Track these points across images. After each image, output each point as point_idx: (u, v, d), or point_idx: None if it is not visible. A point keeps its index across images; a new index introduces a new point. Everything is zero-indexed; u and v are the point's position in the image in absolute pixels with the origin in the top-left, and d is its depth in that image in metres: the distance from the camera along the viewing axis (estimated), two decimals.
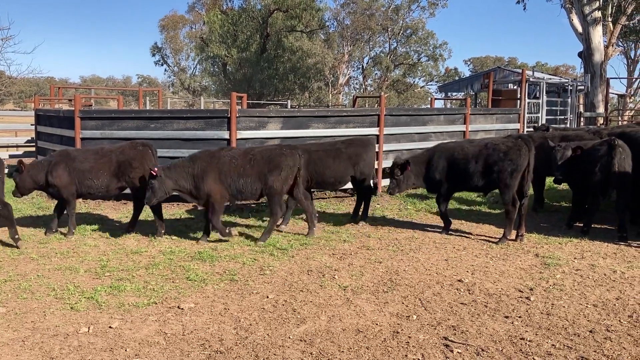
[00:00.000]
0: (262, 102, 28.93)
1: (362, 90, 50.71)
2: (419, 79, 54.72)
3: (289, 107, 23.52)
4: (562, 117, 16.38)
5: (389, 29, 49.45)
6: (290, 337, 4.69)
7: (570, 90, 17.49)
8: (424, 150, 8.46)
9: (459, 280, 6.05)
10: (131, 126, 10.23)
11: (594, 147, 7.71)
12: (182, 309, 5.32)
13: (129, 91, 30.56)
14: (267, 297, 5.61)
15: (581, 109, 19.95)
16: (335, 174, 8.51)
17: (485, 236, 8.02)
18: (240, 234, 8.08)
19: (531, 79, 15.95)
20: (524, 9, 28.57)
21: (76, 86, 41.29)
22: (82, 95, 15.91)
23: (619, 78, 46.26)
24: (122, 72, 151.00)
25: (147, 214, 8.60)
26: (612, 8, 23.02)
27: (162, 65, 50.91)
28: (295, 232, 8.29)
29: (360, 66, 51.95)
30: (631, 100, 38.00)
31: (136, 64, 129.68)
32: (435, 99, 20.50)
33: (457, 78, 52.37)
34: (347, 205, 10.27)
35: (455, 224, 8.74)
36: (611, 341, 4.54)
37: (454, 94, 34.01)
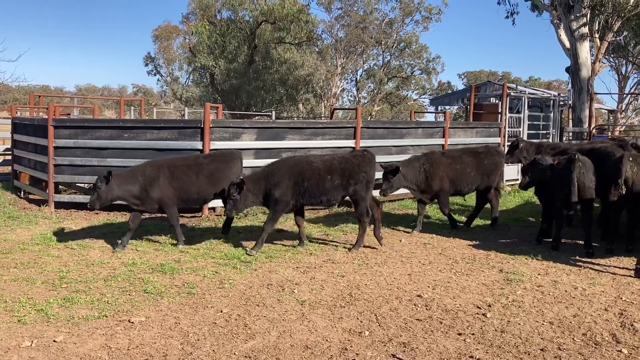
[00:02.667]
0: (248, 113, 28.94)
1: (356, 102, 50.81)
2: (412, 92, 54.88)
3: (273, 118, 23.52)
4: (545, 131, 16.38)
5: (382, 42, 49.63)
6: (236, 353, 4.59)
7: (553, 104, 17.49)
8: (264, 167, 8.07)
9: (418, 296, 5.97)
10: (105, 135, 10.16)
11: (557, 162, 7.70)
12: (132, 322, 5.23)
13: (129, 101, 30.73)
14: (221, 311, 5.52)
15: (570, 123, 19.98)
16: (199, 190, 8.01)
17: (454, 251, 7.95)
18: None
19: (512, 93, 15.96)
20: (513, 23, 28.69)
21: (61, 95, 41.25)
22: (64, 104, 15.83)
23: (609, 94, 46.53)
24: (118, 81, 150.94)
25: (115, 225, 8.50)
26: (598, 24, 23.15)
27: (155, 75, 50.90)
28: (265, 244, 8.20)
29: (354, 79, 52.14)
30: (622, 115, 38.21)
31: (132, 74, 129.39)
32: (427, 112, 20.51)
33: (450, 91, 52.55)
34: (318, 217, 10.20)
35: (425, 237, 8.69)
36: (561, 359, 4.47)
37: (446, 107, 34.10)
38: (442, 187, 8.94)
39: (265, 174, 7.76)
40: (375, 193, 8.67)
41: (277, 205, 7.68)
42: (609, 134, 20.52)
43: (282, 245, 8.15)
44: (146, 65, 50.08)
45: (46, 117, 10.68)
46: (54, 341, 4.78)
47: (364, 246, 8.10)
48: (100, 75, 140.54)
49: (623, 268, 7.07)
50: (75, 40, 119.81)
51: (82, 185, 11.66)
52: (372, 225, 8.12)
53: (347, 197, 7.93)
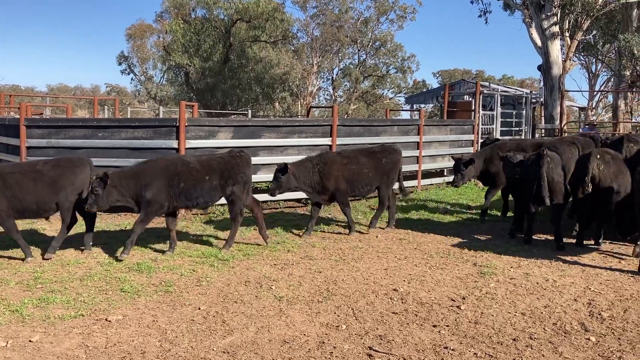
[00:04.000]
0: (224, 111, 28.80)
1: (332, 101, 50.93)
2: (388, 90, 55.16)
3: (249, 117, 23.48)
4: (517, 128, 16.69)
5: (358, 41, 49.80)
6: (214, 349, 4.62)
7: (525, 102, 17.84)
8: (134, 165, 7.78)
9: (394, 290, 6.07)
10: (78, 135, 10.06)
11: (527, 158, 7.90)
12: (110, 321, 5.22)
13: (103, 100, 30.22)
14: (199, 308, 5.53)
15: (542, 121, 20.38)
16: (37, 200, 7.19)
17: (429, 246, 8.08)
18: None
19: (485, 91, 16.23)
20: (486, 22, 29.17)
21: (32, 94, 40.51)
22: (36, 104, 15.59)
23: (580, 91, 47.47)
24: (91, 81, 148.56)
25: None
26: (569, 23, 23.63)
27: (128, 74, 50.26)
28: (243, 242, 8.23)
29: (330, 77, 52.24)
30: (592, 113, 39.02)
31: (105, 73, 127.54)
32: (402, 110, 20.69)
33: (424, 90, 53.04)
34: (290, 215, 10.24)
35: (401, 233, 8.81)
36: (532, 349, 4.59)
37: (422, 105, 34.41)
38: (339, 187, 8.57)
39: (135, 173, 7.32)
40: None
41: (149, 206, 7.24)
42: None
43: (258, 243, 8.17)
44: (119, 64, 49.45)
45: (18, 116, 10.52)
46: (30, 341, 4.75)
47: (342, 241, 8.19)
48: (72, 74, 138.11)
49: (592, 262, 7.27)
50: (45, 39, 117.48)
51: None
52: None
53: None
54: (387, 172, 8.98)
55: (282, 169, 8.23)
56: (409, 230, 9.03)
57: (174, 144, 9.67)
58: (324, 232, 8.98)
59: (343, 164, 8.65)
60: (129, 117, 21.49)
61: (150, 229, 9.19)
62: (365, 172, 8.77)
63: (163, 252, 7.57)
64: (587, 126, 19.09)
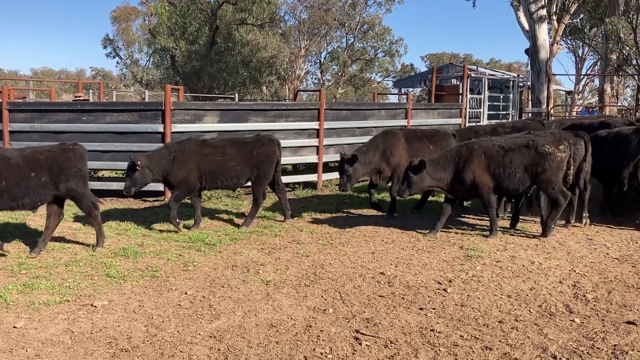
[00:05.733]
0: (211, 95, 28.55)
1: (320, 85, 50.71)
2: (376, 74, 55.01)
3: (236, 100, 23.33)
4: (504, 112, 16.73)
5: (346, 24, 49.51)
6: (201, 333, 4.61)
7: (513, 85, 17.86)
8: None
9: (381, 273, 6.09)
10: (62, 119, 9.92)
11: None
12: (95, 306, 5.18)
13: (88, 84, 29.77)
14: (186, 293, 5.51)
15: (529, 104, 20.44)
16: None
17: (415, 230, 8.09)
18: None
19: (473, 75, 16.23)
20: (473, 5, 29.11)
21: (15, 78, 39.85)
22: (19, 88, 15.34)
23: (567, 75, 47.67)
24: (76, 64, 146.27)
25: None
26: (556, 7, 23.65)
27: (114, 57, 49.72)
28: (230, 226, 8.21)
29: (318, 61, 51.99)
30: (579, 96, 39.24)
31: (90, 57, 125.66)
32: (390, 94, 20.64)
33: (412, 74, 52.95)
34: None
35: (390, 218, 8.83)
36: (517, 331, 4.63)
37: (409, 89, 34.37)
38: (186, 179, 7.80)
39: None
40: None
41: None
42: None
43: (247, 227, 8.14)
44: (105, 47, 48.95)
45: (0, 100, 10.34)
46: (14, 327, 4.71)
47: (330, 225, 8.19)
48: (56, 58, 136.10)
49: (577, 244, 7.34)
50: (28, 22, 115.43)
51: None
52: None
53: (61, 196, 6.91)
54: (258, 165, 8.14)
55: (131, 165, 7.54)
56: (396, 215, 9.03)
57: (159, 128, 9.57)
58: (311, 216, 8.96)
59: (203, 154, 7.91)
60: (114, 100, 21.23)
61: (137, 213, 9.14)
62: (231, 164, 8.00)
63: (149, 236, 7.53)
64: (585, 109, 19.16)
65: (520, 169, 7.38)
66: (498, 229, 7.70)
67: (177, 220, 7.85)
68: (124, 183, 7.84)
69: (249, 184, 8.37)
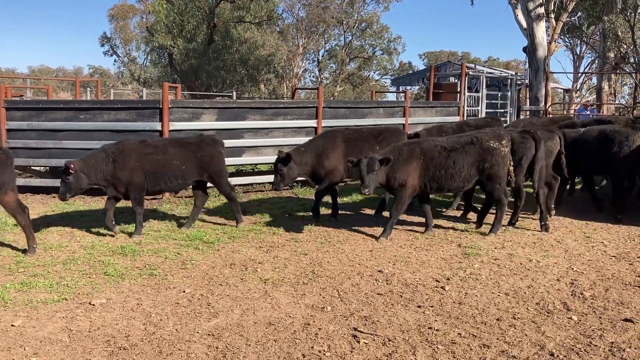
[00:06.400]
0: (209, 93, 28.52)
1: (318, 83, 50.67)
2: (374, 72, 55.03)
3: (234, 99, 23.32)
4: (502, 110, 16.74)
5: (344, 22, 49.48)
6: (199, 331, 4.61)
7: (511, 83, 17.87)
8: None
9: (379, 271, 6.09)
10: (60, 117, 9.91)
11: None
12: (94, 305, 5.18)
13: (86, 82, 29.73)
14: (184, 291, 5.51)
15: (527, 102, 20.43)
16: None
17: (414, 228, 8.10)
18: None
19: (471, 73, 16.24)
20: (471, 3, 29.27)
21: (12, 76, 39.78)
22: (16, 86, 15.31)
23: (564, 73, 47.64)
24: (73, 62, 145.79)
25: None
26: (554, 4, 23.63)
27: (111, 55, 49.61)
28: (228, 225, 8.21)
29: (316, 59, 51.96)
30: (577, 94, 39.25)
31: (87, 55, 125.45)
32: (388, 92, 20.63)
33: (410, 72, 52.92)
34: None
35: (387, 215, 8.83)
36: (515, 328, 4.64)
37: (407, 87, 34.35)
38: (132, 180, 7.46)
39: None
40: None
41: None
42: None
43: (246, 225, 8.15)
44: (102, 45, 48.80)
45: None
46: (12, 325, 4.70)
47: (328, 223, 8.19)
48: (54, 56, 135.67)
49: (575, 242, 7.36)
50: (26, 20, 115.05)
51: (37, 168, 11.36)
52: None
53: None
54: (204, 165, 7.86)
55: (64, 170, 7.19)
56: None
57: (157, 126, 9.57)
58: (311, 215, 8.96)
59: (144, 154, 7.57)
60: (112, 99, 21.20)
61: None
62: (175, 163, 7.68)
63: (147, 234, 7.52)
64: (583, 107, 19.13)
65: (465, 167, 7.34)
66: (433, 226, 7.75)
67: (113, 223, 7.58)
68: (59, 188, 7.40)
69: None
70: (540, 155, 7.56)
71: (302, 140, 10.74)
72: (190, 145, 7.88)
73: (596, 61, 32.29)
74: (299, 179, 9.01)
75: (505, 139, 7.42)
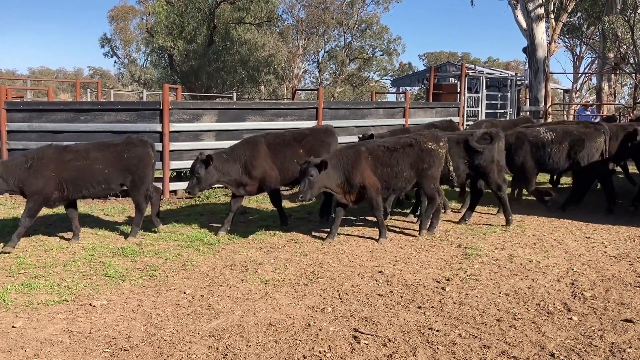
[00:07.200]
0: (209, 94, 28.54)
1: (318, 84, 50.70)
2: (374, 73, 55.06)
3: (234, 100, 23.35)
4: (502, 111, 16.75)
5: (343, 23, 49.52)
6: (200, 332, 4.62)
7: (511, 84, 17.88)
8: None
9: (379, 272, 6.10)
10: (60, 119, 9.92)
11: None
12: (94, 306, 5.18)
13: (86, 83, 29.81)
14: (185, 292, 5.52)
15: (527, 103, 20.43)
16: None
17: (413, 229, 8.11)
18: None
19: (471, 73, 16.25)
20: (471, 4, 29.12)
21: (13, 77, 39.77)
22: (16, 87, 15.32)
23: (564, 73, 47.65)
24: (74, 64, 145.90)
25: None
26: (554, 5, 23.64)
27: (111, 57, 49.67)
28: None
29: (316, 60, 52.01)
30: (577, 95, 39.25)
31: (88, 56, 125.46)
32: (388, 92, 20.65)
33: (410, 72, 52.94)
34: None
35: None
36: (515, 329, 4.64)
37: (407, 88, 34.36)
38: (41, 189, 6.97)
39: None
40: None
41: None
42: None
43: (246, 226, 8.16)
44: (102, 47, 48.86)
45: None
46: (13, 327, 4.71)
47: (327, 227, 8.19)
48: (54, 57, 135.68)
49: (574, 242, 7.36)
50: (26, 22, 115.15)
51: None
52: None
53: None
54: (131, 169, 7.44)
55: None
56: (391, 214, 9.04)
57: (157, 127, 9.57)
58: (309, 216, 8.97)
59: (64, 161, 7.13)
60: (112, 100, 21.22)
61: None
62: (97, 168, 7.25)
63: (148, 235, 7.53)
64: (583, 108, 19.11)
65: (406, 168, 7.37)
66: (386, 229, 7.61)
67: (17, 242, 6.97)
68: None
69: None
70: (497, 154, 7.90)
71: None
72: (115, 147, 7.46)
73: (596, 62, 32.30)
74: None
75: (443, 141, 7.50)
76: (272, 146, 8.05)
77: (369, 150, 7.37)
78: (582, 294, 5.42)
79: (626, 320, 4.77)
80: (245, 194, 8.07)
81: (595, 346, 4.31)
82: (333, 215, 7.74)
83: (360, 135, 9.47)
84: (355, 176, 7.19)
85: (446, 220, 8.49)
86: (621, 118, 15.30)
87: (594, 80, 33.37)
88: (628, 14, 20.16)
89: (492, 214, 8.87)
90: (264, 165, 7.90)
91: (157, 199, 7.92)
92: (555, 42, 24.36)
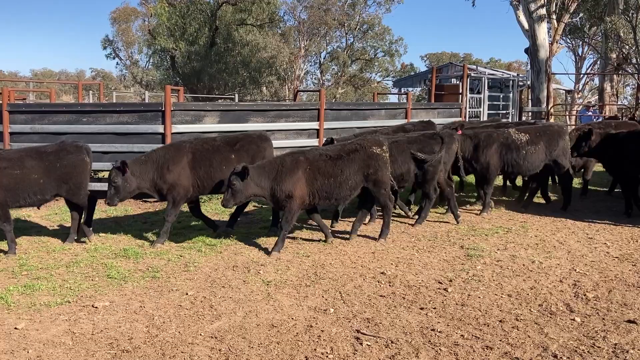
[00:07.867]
0: (211, 96, 28.58)
1: (320, 85, 50.71)
2: (376, 74, 55.02)
3: (236, 101, 23.36)
4: (504, 111, 16.74)
5: (345, 24, 49.52)
6: (202, 334, 4.62)
7: (513, 85, 17.87)
8: None
9: (381, 273, 6.09)
10: (63, 120, 9.92)
11: None
12: (96, 307, 5.19)
13: (88, 85, 29.92)
14: (187, 294, 5.52)
15: (529, 104, 20.41)
16: None
17: (416, 229, 8.10)
18: None
19: (473, 74, 16.24)
20: (473, 5, 29.19)
21: (15, 79, 39.90)
22: (19, 89, 15.35)
23: (566, 74, 47.59)
24: (76, 65, 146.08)
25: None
26: (556, 6, 23.61)
27: (114, 58, 49.79)
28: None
29: (318, 61, 52.03)
30: (579, 95, 39.20)
31: (90, 58, 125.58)
32: (390, 93, 20.65)
33: (412, 73, 52.92)
34: None
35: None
36: (518, 330, 4.63)
37: (409, 89, 34.35)
38: None
39: None
40: None
41: None
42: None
43: (248, 227, 8.16)
44: (104, 48, 48.95)
45: (0, 102, 10.35)
46: (16, 328, 4.71)
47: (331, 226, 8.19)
48: (56, 59, 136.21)
49: (577, 243, 7.35)
50: (28, 24, 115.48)
51: None
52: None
53: None
54: (66, 176, 7.06)
55: None
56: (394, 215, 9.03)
57: (159, 128, 9.58)
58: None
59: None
60: (114, 101, 21.25)
61: (137, 215, 9.18)
62: (34, 177, 6.84)
63: (148, 238, 7.53)
64: (585, 108, 19.09)
65: (352, 175, 7.08)
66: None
67: (14, 241, 6.86)
68: None
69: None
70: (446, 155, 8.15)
71: (304, 142, 10.80)
72: (48, 155, 7.01)
73: (598, 62, 32.25)
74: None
75: (385, 145, 7.37)
76: (197, 152, 7.50)
77: (309, 159, 6.99)
78: (584, 295, 5.41)
79: (629, 321, 4.76)
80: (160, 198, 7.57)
81: (598, 347, 4.30)
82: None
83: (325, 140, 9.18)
84: (286, 185, 6.83)
85: (446, 222, 8.48)
86: (623, 118, 15.27)
87: (596, 80, 33.34)
88: (630, 14, 20.13)
89: (492, 215, 8.85)
90: (179, 172, 7.34)
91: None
92: (557, 42, 24.34)
